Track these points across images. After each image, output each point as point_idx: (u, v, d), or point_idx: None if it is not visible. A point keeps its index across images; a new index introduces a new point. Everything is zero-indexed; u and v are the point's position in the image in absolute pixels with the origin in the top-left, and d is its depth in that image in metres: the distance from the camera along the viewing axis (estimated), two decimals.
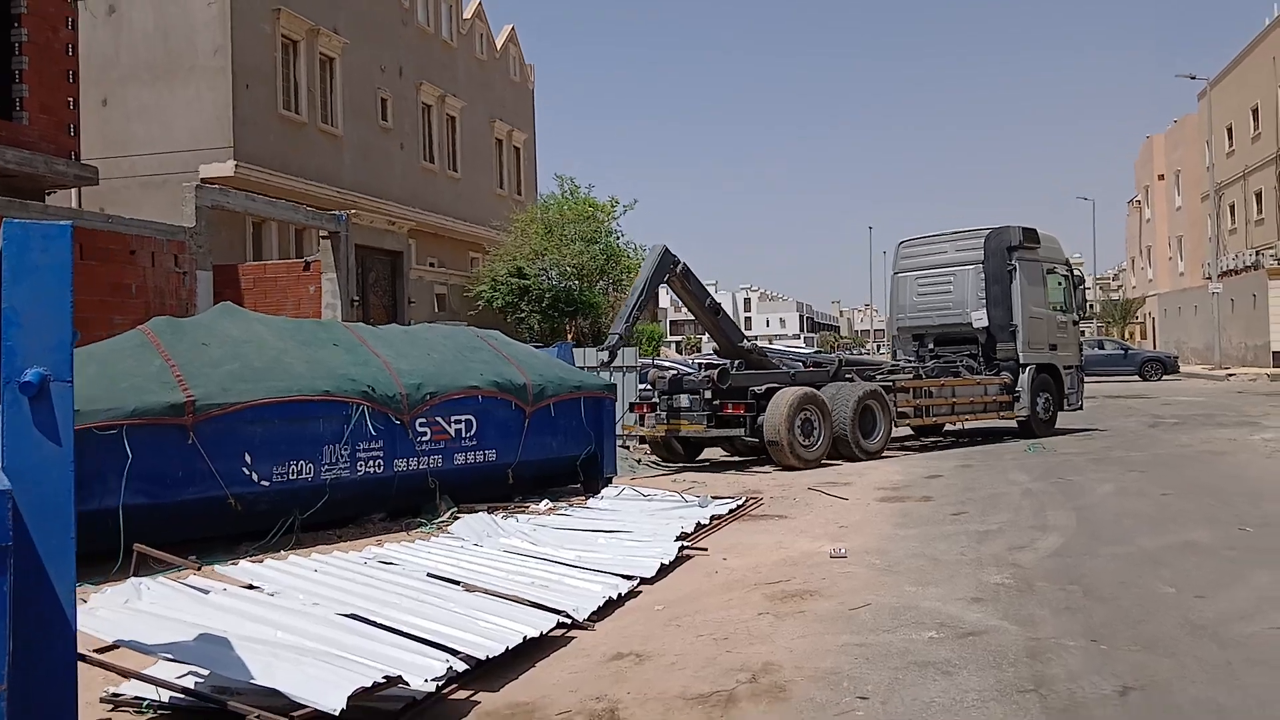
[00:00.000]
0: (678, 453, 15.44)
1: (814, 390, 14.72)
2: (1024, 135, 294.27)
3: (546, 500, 11.39)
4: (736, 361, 15.47)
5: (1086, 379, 39.36)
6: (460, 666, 5.03)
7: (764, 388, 14.50)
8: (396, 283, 21.03)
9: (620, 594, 6.93)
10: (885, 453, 15.78)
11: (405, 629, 5.34)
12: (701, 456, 15.97)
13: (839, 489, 12.34)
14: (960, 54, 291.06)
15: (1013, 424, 18.52)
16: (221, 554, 8.79)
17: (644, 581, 7.42)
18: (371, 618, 5.45)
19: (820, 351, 30.19)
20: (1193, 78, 47.80)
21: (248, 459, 9.15)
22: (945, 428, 18.95)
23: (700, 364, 23.88)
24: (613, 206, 27.19)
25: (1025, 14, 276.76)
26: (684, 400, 14.62)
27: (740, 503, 10.93)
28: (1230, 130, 52.80)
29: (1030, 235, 18.23)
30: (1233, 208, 53.61)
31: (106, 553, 7.86)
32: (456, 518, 10.57)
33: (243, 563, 7.40)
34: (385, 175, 27.00)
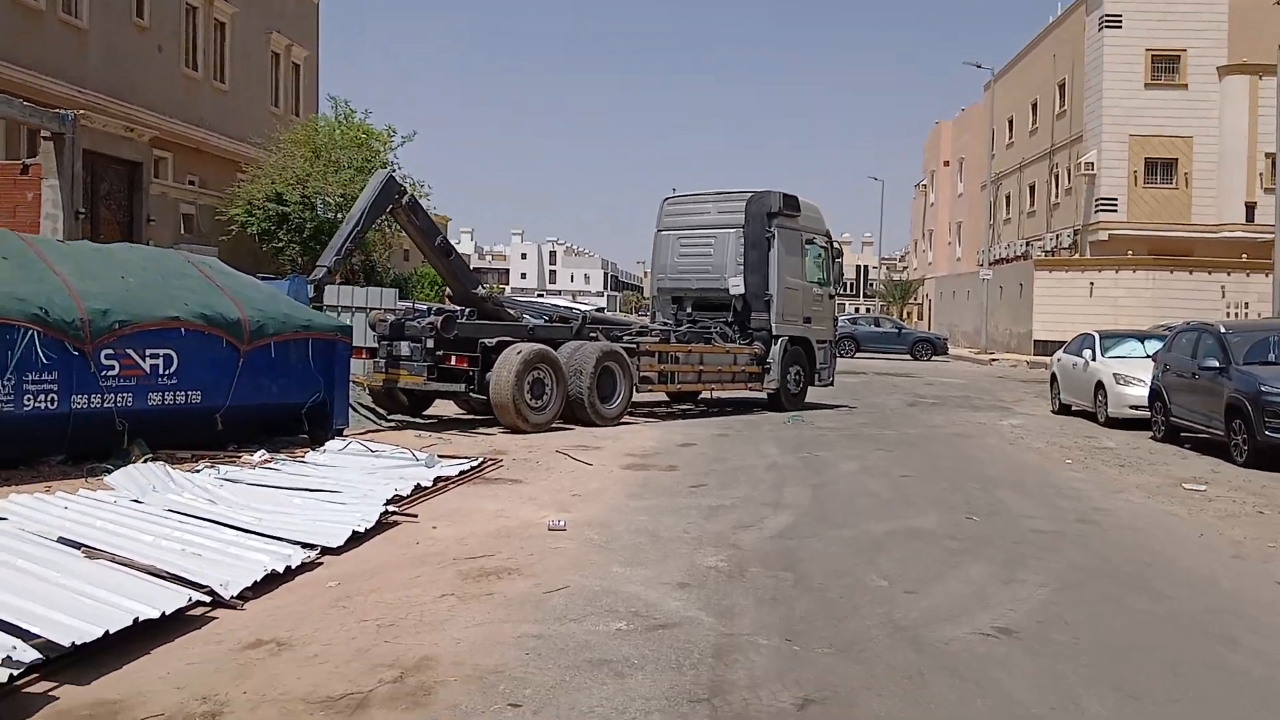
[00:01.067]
0: (402, 405, 14.40)
1: (548, 348, 13.85)
2: (824, 108, 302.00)
3: (263, 451, 10.33)
4: (468, 310, 14.53)
5: (861, 355, 40.88)
6: (31, 655, 4.08)
7: (495, 341, 13.53)
8: (134, 197, 19.01)
9: (291, 566, 6.08)
10: (627, 419, 15.21)
11: None
12: (431, 412, 15.02)
13: (589, 453, 11.78)
14: (771, 19, 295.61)
15: (762, 395, 18.34)
16: None
17: (328, 551, 6.60)
18: None
19: (601, 310, 29.64)
20: (978, 66, 49.71)
21: None
22: (700, 396, 18.64)
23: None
24: (389, 136, 25.63)
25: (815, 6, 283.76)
26: (405, 348, 13.54)
27: (475, 464, 10.19)
28: (1011, 122, 55.40)
29: (791, 202, 17.86)
30: (1009, 198, 56.43)
31: None
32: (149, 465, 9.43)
33: None
34: (138, 79, 24.48)
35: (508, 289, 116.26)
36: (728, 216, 17.84)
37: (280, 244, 23.62)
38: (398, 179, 13.88)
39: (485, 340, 13.50)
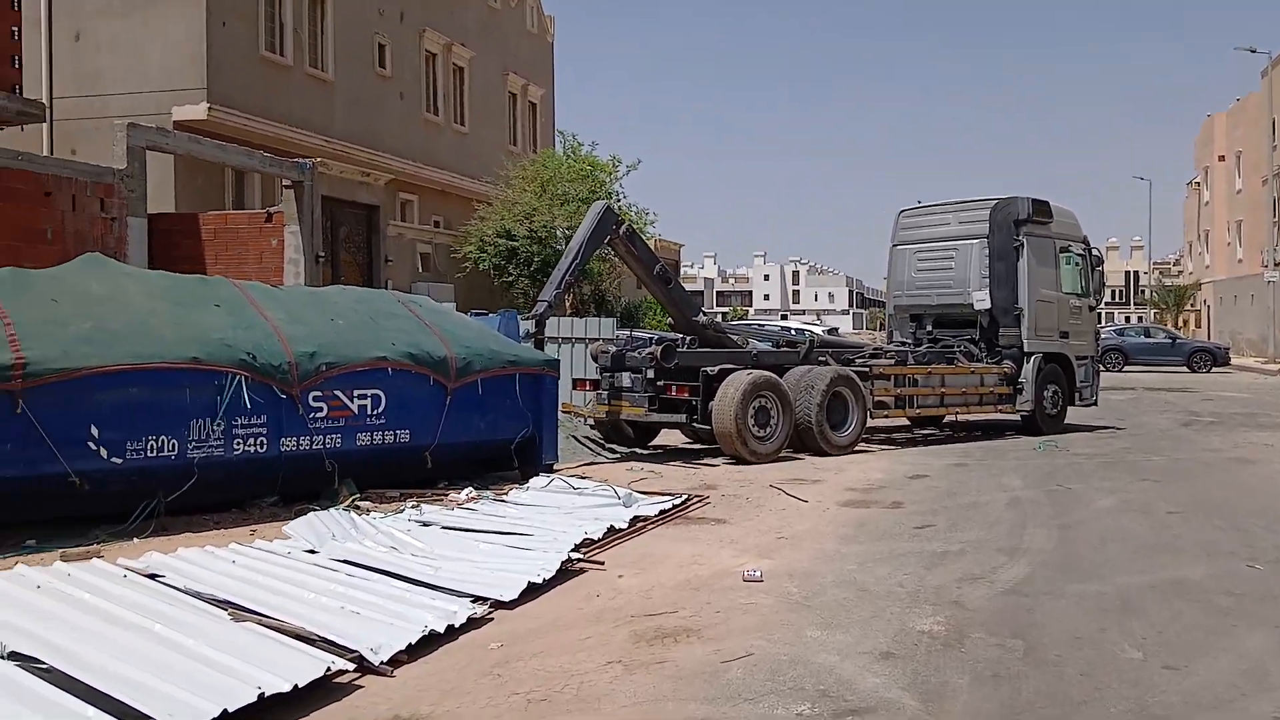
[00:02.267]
0: (628, 436, 14.05)
1: (772, 374, 13.16)
2: (1080, 109, 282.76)
3: (470, 488, 10.16)
4: (688, 339, 14.03)
5: (1130, 368, 37.67)
6: None
7: (717, 369, 12.96)
8: (372, 239, 19.79)
9: (455, 625, 5.66)
10: (862, 445, 14.29)
11: (89, 680, 4.10)
12: (657, 442, 14.58)
13: (805, 487, 10.99)
14: (1019, 23, 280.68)
15: (1015, 418, 16.86)
16: (69, 539, 7.70)
17: (501, 605, 6.16)
18: (34, 668, 4.20)
19: (835, 330, 28.50)
20: (1253, 50, 44.89)
21: (94, 432, 8.01)
22: (945, 420, 17.40)
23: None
24: (614, 166, 25.72)
25: None
26: (626, 379, 13.16)
27: (678, 501, 9.62)
28: None
29: (1041, 208, 16.43)
30: None
31: None
32: (357, 506, 9.41)
33: None
34: (381, 125, 25.68)
35: (751, 311, 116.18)
36: (970, 227, 16.63)
37: (510, 278, 24.06)
38: (614, 209, 13.63)
39: (706, 368, 12.99)
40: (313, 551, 6.75)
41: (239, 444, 8.77)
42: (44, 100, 19.82)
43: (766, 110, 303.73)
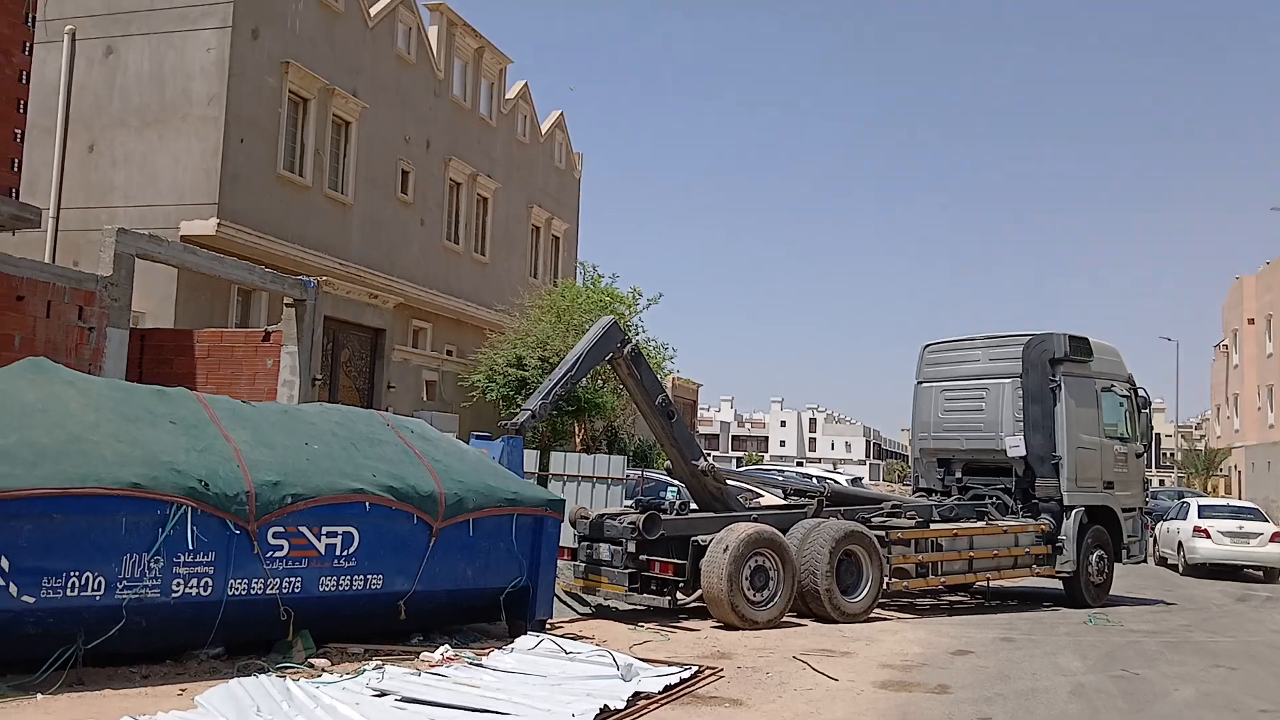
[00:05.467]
0: None
1: (771, 530, 11.73)
2: (1104, 269, 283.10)
3: (446, 646, 8.87)
4: (677, 505, 12.69)
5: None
6: None
7: (710, 539, 11.50)
8: (375, 364, 18.82)
9: None
10: (879, 611, 12.72)
11: None
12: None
13: (834, 661, 9.61)
14: (1035, 178, 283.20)
15: (1055, 583, 15.19)
16: None
17: None
18: None
19: (858, 480, 27.05)
20: None
21: (3, 564, 6.81)
22: (975, 585, 15.75)
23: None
24: (634, 299, 24.88)
25: (1105, 142, 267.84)
26: (605, 551, 11.74)
27: (686, 675, 8.25)
28: None
29: (1079, 345, 15.01)
30: None
31: None
32: (311, 663, 8.12)
33: None
34: (399, 251, 25.04)
35: (766, 457, 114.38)
36: (1001, 364, 15.30)
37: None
38: (620, 326, 12.66)
39: (698, 538, 11.61)
40: None
41: (179, 585, 7.54)
42: (50, 210, 19.26)
43: (788, 258, 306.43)
